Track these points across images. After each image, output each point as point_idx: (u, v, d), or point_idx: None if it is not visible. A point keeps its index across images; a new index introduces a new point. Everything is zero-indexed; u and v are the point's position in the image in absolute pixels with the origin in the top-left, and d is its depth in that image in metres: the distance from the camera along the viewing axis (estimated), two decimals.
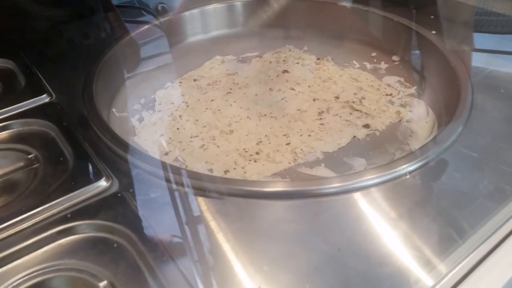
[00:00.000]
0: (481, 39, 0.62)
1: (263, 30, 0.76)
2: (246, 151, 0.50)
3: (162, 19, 0.70)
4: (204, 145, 0.51)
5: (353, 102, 0.58)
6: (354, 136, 0.52)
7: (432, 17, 0.67)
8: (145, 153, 0.47)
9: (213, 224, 0.35)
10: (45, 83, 0.54)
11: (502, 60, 0.58)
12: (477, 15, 0.67)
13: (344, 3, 0.72)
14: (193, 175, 0.39)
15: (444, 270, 0.31)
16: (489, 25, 0.65)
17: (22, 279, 0.31)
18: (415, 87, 0.61)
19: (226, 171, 0.47)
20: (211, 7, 0.72)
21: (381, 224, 0.35)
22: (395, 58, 0.67)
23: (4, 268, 0.32)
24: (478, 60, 0.57)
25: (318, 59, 0.68)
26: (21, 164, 0.42)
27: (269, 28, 0.76)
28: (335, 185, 0.38)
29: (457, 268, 0.31)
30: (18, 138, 0.46)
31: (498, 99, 0.49)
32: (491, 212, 0.35)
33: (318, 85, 0.62)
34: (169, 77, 0.65)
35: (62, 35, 0.68)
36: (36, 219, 0.35)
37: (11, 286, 0.31)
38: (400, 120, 0.55)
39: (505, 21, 0.66)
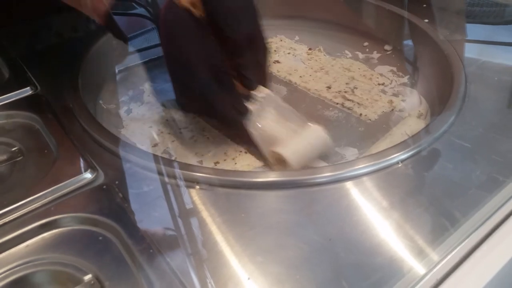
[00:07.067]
0: (473, 30, 0.62)
1: None
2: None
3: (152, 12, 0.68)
4: (193, 136, 0.50)
5: (345, 92, 0.57)
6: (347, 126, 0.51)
7: (424, 5, 0.67)
8: (131, 145, 0.46)
9: (203, 215, 0.34)
10: (30, 75, 0.53)
11: (494, 50, 0.58)
12: (469, 6, 0.67)
13: None
14: (182, 166, 0.38)
15: (436, 258, 0.30)
16: (481, 15, 0.65)
17: (4, 274, 0.30)
18: (408, 76, 0.60)
19: (216, 163, 0.46)
20: None
21: (373, 214, 0.34)
22: (387, 47, 0.66)
23: None
24: (470, 51, 0.56)
25: (309, 49, 0.68)
26: (4, 157, 0.41)
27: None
28: (327, 175, 0.37)
29: (449, 257, 0.31)
30: (1, 131, 0.44)
31: (490, 89, 0.49)
32: (483, 200, 0.35)
33: (310, 75, 0.61)
34: (158, 69, 0.64)
35: (49, 26, 0.66)
36: (19, 212, 0.34)
37: None
38: (392, 110, 0.54)
39: (497, 12, 0.66)
